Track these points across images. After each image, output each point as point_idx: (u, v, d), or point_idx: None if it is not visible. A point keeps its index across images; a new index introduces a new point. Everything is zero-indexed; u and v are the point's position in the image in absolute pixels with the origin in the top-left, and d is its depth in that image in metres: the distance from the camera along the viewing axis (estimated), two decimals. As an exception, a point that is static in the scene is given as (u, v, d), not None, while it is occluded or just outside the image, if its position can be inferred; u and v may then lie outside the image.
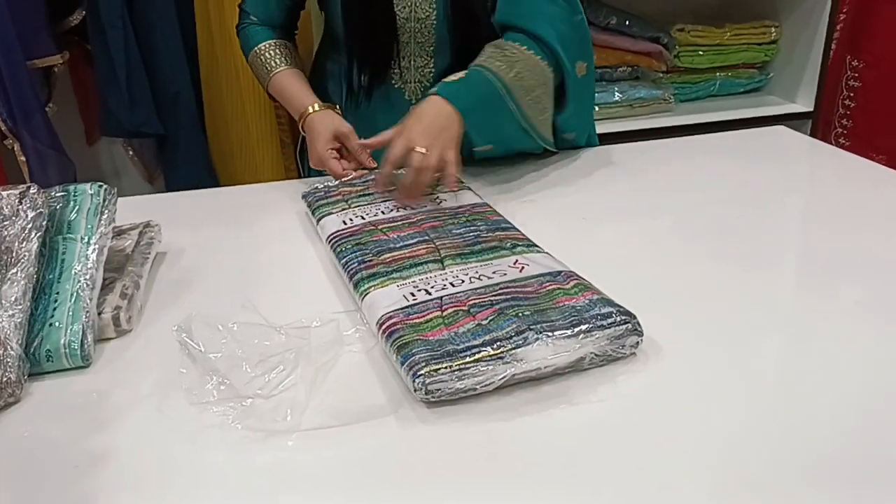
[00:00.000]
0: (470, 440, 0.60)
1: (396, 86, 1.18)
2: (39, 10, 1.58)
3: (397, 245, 0.83)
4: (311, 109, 1.12)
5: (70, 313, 0.71)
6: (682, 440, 0.59)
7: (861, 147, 2.07)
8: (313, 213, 0.98)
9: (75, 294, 0.73)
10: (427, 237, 0.85)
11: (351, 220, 0.92)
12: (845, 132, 2.17)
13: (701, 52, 2.05)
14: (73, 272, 0.75)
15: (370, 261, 0.80)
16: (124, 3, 1.60)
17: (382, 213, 0.93)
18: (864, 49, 2.08)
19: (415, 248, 0.82)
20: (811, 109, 2.04)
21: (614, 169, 1.19)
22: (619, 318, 0.67)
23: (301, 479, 0.57)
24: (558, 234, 0.97)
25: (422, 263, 0.78)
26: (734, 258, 0.89)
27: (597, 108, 1.97)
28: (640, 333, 0.68)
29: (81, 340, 0.70)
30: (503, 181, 1.12)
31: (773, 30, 2.06)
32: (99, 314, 0.75)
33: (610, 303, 0.70)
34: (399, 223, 0.89)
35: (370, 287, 0.75)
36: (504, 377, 0.62)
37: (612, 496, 0.54)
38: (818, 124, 2.09)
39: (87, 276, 0.74)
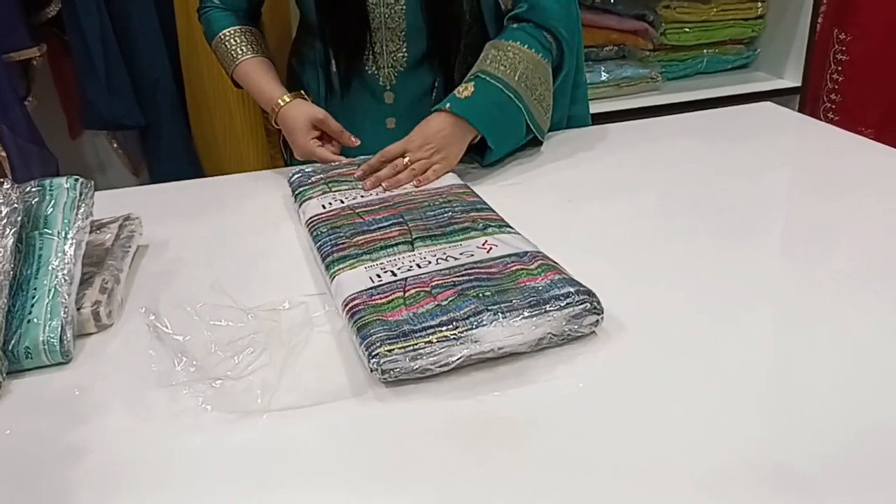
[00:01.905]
0: (429, 419, 0.60)
1: (370, 71, 1.17)
2: (13, 3, 1.55)
3: (371, 227, 0.84)
4: (280, 102, 1.11)
5: (48, 309, 0.70)
6: (642, 420, 0.59)
7: (850, 121, 2.07)
8: (296, 199, 0.98)
9: (53, 290, 0.72)
10: (402, 219, 0.85)
11: (330, 203, 0.92)
12: (834, 107, 2.17)
13: (687, 29, 2.03)
14: (50, 268, 0.73)
15: (343, 243, 0.81)
16: (99, -8, 1.58)
17: (362, 196, 0.94)
18: (852, 22, 2.07)
19: (388, 230, 0.82)
20: (799, 84, 2.04)
21: (601, 149, 1.18)
22: (577, 298, 0.67)
23: (274, 458, 0.57)
24: (543, 215, 0.96)
25: (392, 245, 0.79)
26: (721, 234, 0.88)
27: (584, 89, 1.96)
28: (600, 312, 0.68)
29: (60, 336, 0.69)
30: (489, 165, 1.11)
31: (759, 4, 2.05)
32: (78, 309, 0.74)
33: (571, 282, 0.70)
34: (377, 206, 0.90)
35: (339, 269, 0.76)
36: (459, 358, 0.63)
37: (570, 475, 0.54)
38: (806, 99, 2.09)
39: (65, 272, 0.73)
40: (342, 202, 0.92)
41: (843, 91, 2.14)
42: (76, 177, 0.83)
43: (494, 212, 0.87)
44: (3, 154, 1.56)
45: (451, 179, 0.99)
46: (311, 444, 0.59)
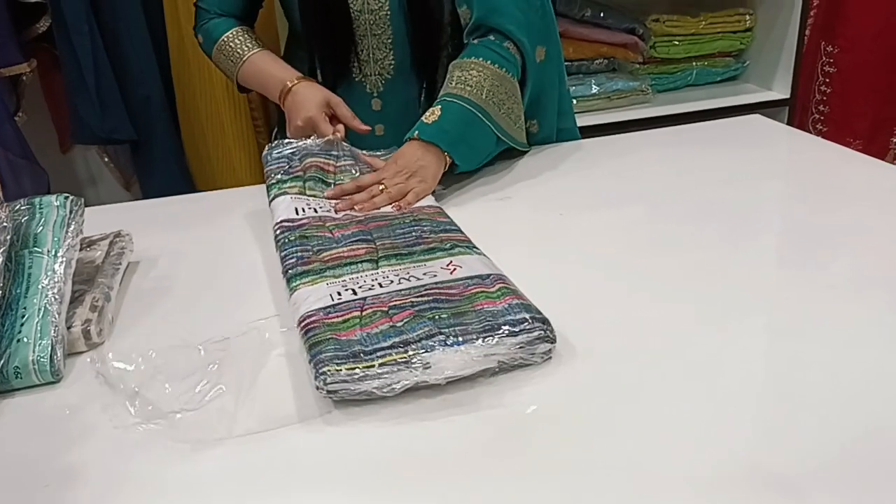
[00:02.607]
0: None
1: (357, 79, 1.17)
2: (3, 18, 1.55)
3: (339, 244, 0.82)
4: (296, 80, 1.11)
5: (38, 328, 0.70)
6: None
7: (838, 132, 2.09)
8: (269, 188, 0.96)
9: (43, 309, 0.71)
10: (369, 237, 0.84)
11: (304, 209, 0.90)
12: (822, 118, 2.19)
13: (677, 42, 2.05)
14: (40, 286, 0.73)
15: (308, 258, 0.79)
16: (89, 8, 1.58)
17: (335, 209, 0.92)
18: (839, 34, 2.10)
19: (355, 247, 0.81)
20: (788, 96, 2.06)
21: (591, 162, 1.18)
22: (531, 325, 0.65)
23: (236, 484, 0.56)
24: (533, 229, 0.97)
25: (356, 262, 0.78)
26: (711, 245, 0.89)
27: (575, 102, 1.96)
28: (553, 340, 0.66)
29: (51, 355, 0.69)
30: (478, 179, 1.12)
31: (747, 17, 2.07)
32: (69, 328, 0.73)
33: (527, 308, 0.68)
34: (347, 221, 0.89)
35: (300, 284, 0.75)
36: (406, 384, 0.62)
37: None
38: (795, 111, 2.10)
39: (55, 290, 0.73)
40: (315, 211, 0.90)
41: (832, 102, 2.16)
42: (66, 194, 0.83)
43: (463, 233, 0.85)
44: (-6, 170, 1.55)
45: (426, 201, 0.96)
46: (264, 467, 0.58)
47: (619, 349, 0.69)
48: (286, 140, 1.03)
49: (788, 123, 1.99)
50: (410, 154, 1.00)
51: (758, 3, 2.08)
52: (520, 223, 0.99)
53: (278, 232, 0.87)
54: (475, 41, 1.10)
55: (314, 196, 0.94)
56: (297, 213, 0.89)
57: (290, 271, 0.78)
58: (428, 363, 0.62)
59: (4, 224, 0.73)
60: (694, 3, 2.13)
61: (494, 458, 0.57)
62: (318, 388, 0.62)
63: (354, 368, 0.61)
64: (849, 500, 0.52)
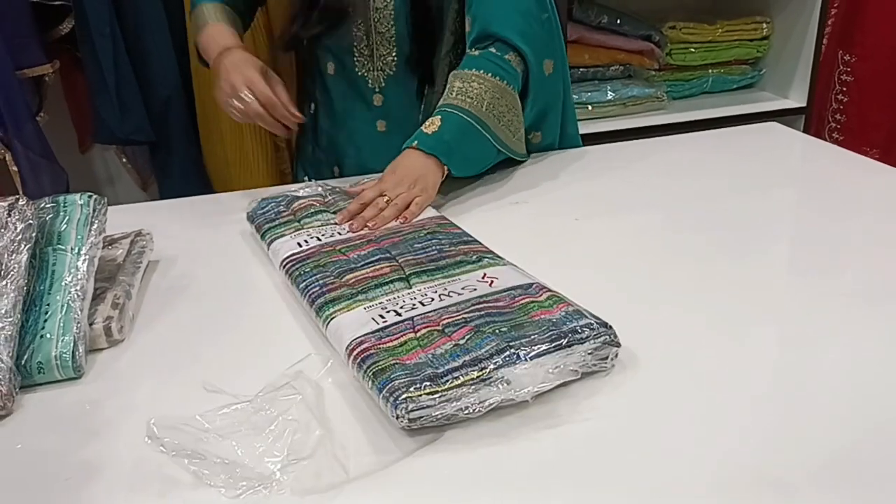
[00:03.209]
0: (464, 469, 0.57)
1: (360, 73, 1.19)
2: (28, 20, 1.57)
3: (359, 264, 0.79)
4: (234, 47, 1.10)
5: (61, 325, 0.71)
6: (676, 451, 0.58)
7: (854, 142, 2.08)
8: (262, 237, 0.91)
9: (66, 305, 0.72)
10: (388, 254, 0.81)
11: (307, 241, 0.86)
12: (839, 127, 2.18)
13: (693, 49, 2.05)
14: (63, 283, 0.74)
15: (332, 283, 0.75)
16: (112, 10, 1.60)
17: (339, 233, 0.88)
18: (857, 43, 2.09)
19: (377, 267, 0.78)
20: (804, 105, 2.05)
21: (606, 168, 1.19)
22: (595, 331, 0.65)
23: None
24: (549, 234, 0.97)
25: (387, 283, 0.75)
26: (728, 254, 0.89)
27: (590, 108, 1.98)
28: (618, 344, 0.66)
29: (73, 352, 0.70)
30: (491, 183, 1.12)
31: (764, 25, 2.07)
32: (90, 325, 0.74)
33: (585, 314, 0.67)
34: (357, 242, 0.85)
35: (335, 311, 0.71)
36: (492, 403, 0.59)
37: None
38: (811, 120, 2.10)
39: (78, 287, 0.74)
40: (319, 239, 0.86)
41: (848, 111, 2.15)
42: (90, 193, 0.84)
43: (481, 243, 0.84)
44: (15, 168, 1.57)
45: (430, 212, 0.95)
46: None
47: (644, 363, 0.69)
48: (265, 198, 1.00)
49: (804, 132, 1.98)
50: (409, 163, 1.00)
51: (775, 11, 2.07)
52: (533, 228, 0.99)
53: (288, 267, 0.82)
54: (476, 52, 1.10)
55: (313, 227, 0.91)
56: (300, 247, 0.85)
57: (317, 300, 0.74)
58: (508, 379, 0.60)
59: (30, 221, 0.74)
60: (711, 10, 2.13)
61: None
62: (397, 416, 0.58)
63: (434, 392, 0.58)
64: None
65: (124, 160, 1.87)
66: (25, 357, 0.69)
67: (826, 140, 2.14)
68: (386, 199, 0.95)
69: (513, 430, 0.60)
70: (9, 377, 0.66)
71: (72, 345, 0.70)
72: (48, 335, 0.70)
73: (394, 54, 1.16)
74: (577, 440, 0.60)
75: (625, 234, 0.96)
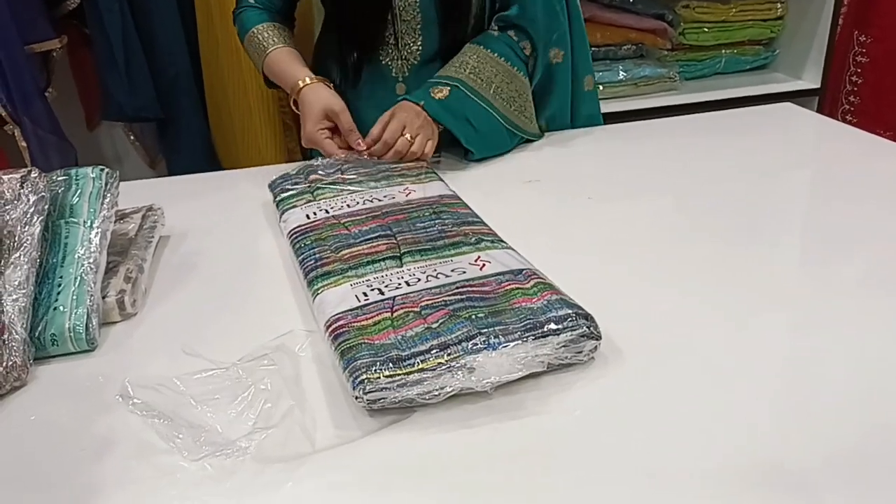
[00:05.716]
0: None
1: (384, 62, 1.19)
2: (36, -5, 1.56)
3: (357, 240, 0.79)
4: (301, 84, 1.11)
5: (74, 297, 0.71)
6: (649, 447, 0.56)
7: (869, 123, 2.06)
8: (277, 206, 0.94)
9: (79, 278, 0.72)
10: (389, 231, 0.81)
11: (315, 213, 0.88)
12: (853, 109, 2.15)
13: (706, 29, 2.03)
14: (76, 256, 0.74)
15: (327, 258, 0.76)
16: (121, -14, 1.59)
17: (348, 206, 0.89)
18: (872, 24, 2.06)
19: (375, 244, 0.78)
20: (818, 86, 2.03)
21: (619, 148, 1.18)
22: (574, 322, 0.63)
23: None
24: (561, 214, 0.96)
25: (379, 260, 0.75)
26: (740, 236, 0.88)
27: (601, 88, 1.96)
28: (598, 337, 0.64)
29: (86, 324, 0.70)
30: (505, 162, 1.12)
31: (778, 5, 2.04)
32: (103, 298, 0.74)
33: (568, 304, 0.65)
34: (363, 216, 0.85)
35: (322, 286, 0.72)
36: (450, 391, 0.58)
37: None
38: (825, 101, 2.07)
39: (91, 260, 0.74)
40: (327, 212, 0.88)
41: (863, 93, 2.12)
42: (102, 167, 0.84)
43: (486, 225, 0.83)
44: (24, 144, 1.57)
45: (441, 189, 0.94)
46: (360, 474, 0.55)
47: (642, 344, 0.67)
48: (292, 173, 1.02)
49: (818, 114, 1.96)
50: (416, 109, 1.07)
51: (790, -10, 2.04)
52: (546, 209, 0.98)
53: (293, 238, 0.84)
54: (495, 31, 1.16)
55: (324, 198, 0.92)
56: (307, 218, 0.87)
57: (309, 274, 0.75)
58: (471, 367, 0.59)
59: (43, 194, 0.74)
60: (724, -11, 2.10)
61: (540, 467, 0.55)
62: (356, 397, 0.59)
63: (394, 375, 0.58)
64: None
65: (132, 138, 1.86)
66: (39, 329, 0.69)
67: (840, 122, 2.12)
68: (407, 137, 1.04)
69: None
70: (23, 348, 0.66)
71: (85, 317, 0.70)
72: (62, 308, 0.70)
73: (418, 43, 1.17)
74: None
75: (635, 217, 0.95)
